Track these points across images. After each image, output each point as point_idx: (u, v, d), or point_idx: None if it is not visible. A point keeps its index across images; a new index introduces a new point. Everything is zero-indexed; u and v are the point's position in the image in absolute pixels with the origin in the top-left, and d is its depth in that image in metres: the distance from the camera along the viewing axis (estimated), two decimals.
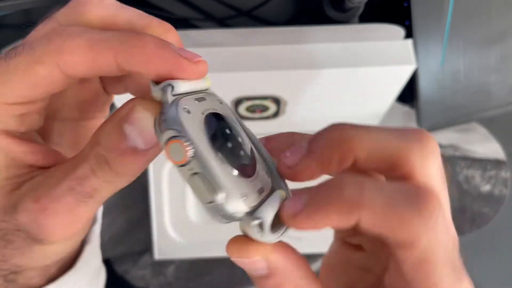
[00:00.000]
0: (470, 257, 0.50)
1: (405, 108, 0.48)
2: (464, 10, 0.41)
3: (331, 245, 0.24)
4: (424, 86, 0.43)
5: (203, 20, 0.41)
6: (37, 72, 0.17)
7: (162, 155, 0.19)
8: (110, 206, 0.47)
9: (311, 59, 0.35)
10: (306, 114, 0.45)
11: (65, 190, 0.18)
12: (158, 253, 0.46)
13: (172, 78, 0.17)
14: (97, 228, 0.26)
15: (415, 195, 0.16)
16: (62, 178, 0.18)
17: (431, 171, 0.17)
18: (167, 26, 0.20)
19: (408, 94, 0.44)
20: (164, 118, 0.16)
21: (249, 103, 0.41)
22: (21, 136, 0.19)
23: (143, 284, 0.47)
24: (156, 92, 0.17)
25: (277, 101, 0.41)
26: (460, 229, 0.50)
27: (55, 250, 0.19)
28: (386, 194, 0.16)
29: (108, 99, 0.24)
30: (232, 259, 0.18)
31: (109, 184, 0.18)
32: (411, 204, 0.16)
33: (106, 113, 0.24)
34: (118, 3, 0.20)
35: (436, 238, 0.16)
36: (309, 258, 0.48)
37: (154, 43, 0.17)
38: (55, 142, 0.23)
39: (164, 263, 0.47)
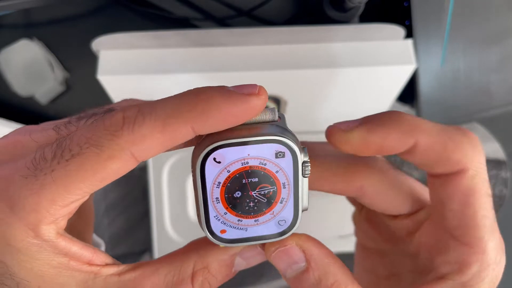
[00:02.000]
0: None
1: (405, 108, 0.48)
2: (464, 10, 0.40)
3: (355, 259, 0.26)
4: (424, 86, 0.43)
5: (203, 20, 0.41)
6: (109, 168, 0.16)
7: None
8: (110, 206, 0.47)
9: (311, 59, 0.35)
10: (306, 114, 0.45)
11: None
12: (158, 253, 0.46)
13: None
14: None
15: (461, 129, 0.19)
16: None
17: (482, 167, 0.19)
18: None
19: (408, 94, 0.44)
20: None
21: None
22: (66, 234, 0.18)
23: None
24: None
25: (277, 101, 0.41)
26: None
27: None
28: (438, 124, 0.19)
29: None
30: (271, 256, 0.20)
31: None
32: (461, 132, 0.19)
33: None
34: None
35: (482, 164, 0.19)
36: None
37: (219, 95, 0.16)
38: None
39: None
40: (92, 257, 0.18)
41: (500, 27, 0.42)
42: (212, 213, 0.18)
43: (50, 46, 0.47)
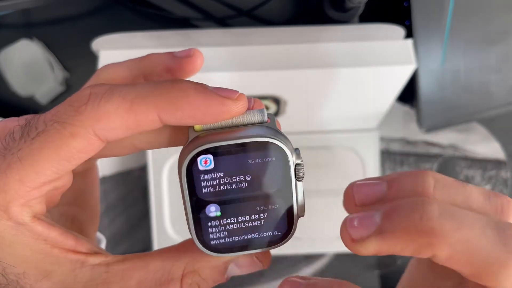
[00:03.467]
0: None
1: (405, 108, 0.48)
2: (464, 10, 0.40)
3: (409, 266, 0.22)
4: (424, 86, 0.43)
5: (203, 20, 0.41)
6: (71, 146, 0.15)
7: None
8: (110, 206, 0.47)
9: (311, 58, 0.35)
10: (306, 114, 0.45)
11: None
12: None
13: (216, 121, 0.17)
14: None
15: (502, 249, 0.15)
16: None
17: None
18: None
19: (408, 94, 0.44)
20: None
21: None
22: (45, 219, 0.17)
23: None
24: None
25: (277, 101, 0.41)
26: None
27: None
28: (478, 232, 0.15)
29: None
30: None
31: None
32: (506, 252, 0.15)
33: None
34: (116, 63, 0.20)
35: None
36: (309, 258, 0.48)
37: (194, 89, 0.16)
38: None
39: None
40: (76, 245, 0.18)
41: (500, 27, 0.42)
42: (202, 221, 0.17)
43: (50, 46, 0.47)
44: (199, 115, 0.16)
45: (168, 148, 0.19)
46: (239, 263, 0.19)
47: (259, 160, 0.17)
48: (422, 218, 0.15)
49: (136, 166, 0.48)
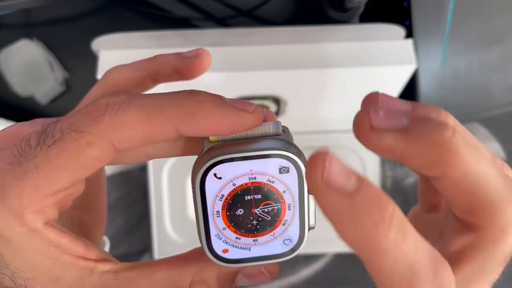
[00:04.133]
0: None
1: None
2: (464, 10, 0.40)
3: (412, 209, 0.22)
4: (425, 86, 0.43)
5: (203, 20, 0.41)
6: (87, 155, 0.15)
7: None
8: (110, 206, 0.47)
9: (311, 59, 0.35)
10: (307, 114, 0.45)
11: None
12: (158, 253, 0.46)
13: (231, 133, 0.17)
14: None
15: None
16: None
17: None
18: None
19: (408, 94, 0.44)
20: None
21: None
22: (56, 226, 0.17)
23: None
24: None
25: (277, 101, 0.41)
26: None
27: None
28: (493, 171, 0.15)
29: None
30: None
31: None
32: (510, 195, 0.15)
33: None
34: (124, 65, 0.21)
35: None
36: (309, 258, 0.48)
37: (211, 102, 0.16)
38: None
39: None
40: (85, 251, 0.18)
41: (500, 27, 0.42)
42: (213, 232, 0.17)
43: (50, 46, 0.47)
44: (216, 127, 0.16)
45: None
46: (247, 273, 0.19)
47: (273, 173, 0.17)
48: (450, 137, 0.14)
49: (136, 166, 0.48)
